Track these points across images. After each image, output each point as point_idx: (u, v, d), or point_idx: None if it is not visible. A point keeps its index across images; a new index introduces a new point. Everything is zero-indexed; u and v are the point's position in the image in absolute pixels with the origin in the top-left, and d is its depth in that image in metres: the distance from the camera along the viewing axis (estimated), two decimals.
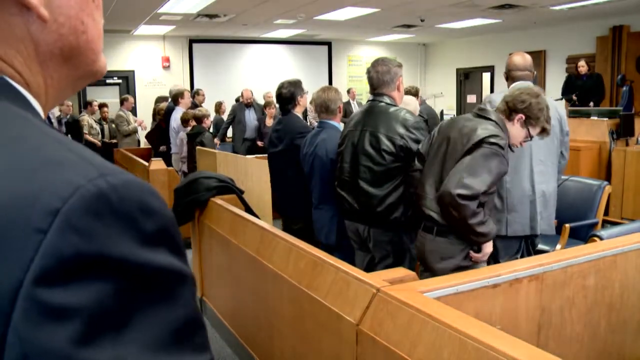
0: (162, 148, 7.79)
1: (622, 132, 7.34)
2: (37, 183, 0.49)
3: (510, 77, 3.71)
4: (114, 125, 9.64)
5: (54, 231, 0.47)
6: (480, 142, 2.76)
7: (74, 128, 9.14)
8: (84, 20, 0.66)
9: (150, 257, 0.52)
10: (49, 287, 0.47)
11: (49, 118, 1.40)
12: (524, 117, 2.93)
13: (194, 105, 8.09)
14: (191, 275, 0.57)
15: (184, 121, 6.92)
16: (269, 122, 8.76)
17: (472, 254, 2.88)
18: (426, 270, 3.03)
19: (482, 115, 2.96)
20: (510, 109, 2.94)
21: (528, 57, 3.77)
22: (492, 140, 2.76)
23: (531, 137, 2.99)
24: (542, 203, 3.46)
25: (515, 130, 2.96)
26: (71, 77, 0.68)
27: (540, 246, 3.86)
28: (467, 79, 14.63)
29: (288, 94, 4.18)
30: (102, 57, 0.72)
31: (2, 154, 0.52)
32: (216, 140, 8.64)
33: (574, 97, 8.99)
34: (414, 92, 6.05)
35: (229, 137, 10.06)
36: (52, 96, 0.67)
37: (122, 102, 9.61)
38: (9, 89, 0.61)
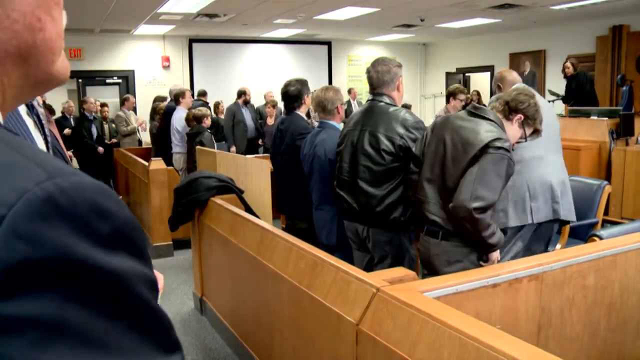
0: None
1: (622, 131, 7.34)
2: None
3: (500, 89, 3.91)
4: (114, 125, 9.63)
5: None
6: (486, 147, 2.71)
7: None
8: (40, 17, 0.62)
9: (106, 261, 0.49)
10: None
11: (40, 121, 1.37)
12: (522, 117, 2.92)
13: (204, 104, 8.12)
14: (153, 279, 0.54)
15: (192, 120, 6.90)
16: (270, 121, 8.76)
17: (482, 263, 2.87)
18: (430, 273, 2.98)
19: (478, 114, 2.91)
20: (510, 109, 2.93)
21: (515, 74, 4.07)
22: (498, 144, 2.71)
23: (526, 138, 2.99)
24: (562, 190, 3.55)
25: (513, 130, 2.95)
26: (30, 77, 0.65)
27: None
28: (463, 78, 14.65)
29: (296, 92, 4.17)
30: (64, 59, 0.68)
31: None
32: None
33: (559, 98, 9.03)
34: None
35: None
36: (10, 96, 0.64)
37: (123, 102, 9.60)
38: None
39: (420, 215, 3.00)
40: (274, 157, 4.45)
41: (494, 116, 2.90)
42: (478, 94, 10.48)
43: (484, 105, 3.37)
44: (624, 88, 8.81)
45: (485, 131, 2.78)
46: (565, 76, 9.17)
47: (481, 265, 2.86)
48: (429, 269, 3.00)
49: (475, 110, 2.96)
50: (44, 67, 0.65)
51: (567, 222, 3.68)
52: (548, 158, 3.58)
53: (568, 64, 9.13)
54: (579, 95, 8.85)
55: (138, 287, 0.52)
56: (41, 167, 0.50)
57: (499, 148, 2.71)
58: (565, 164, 3.77)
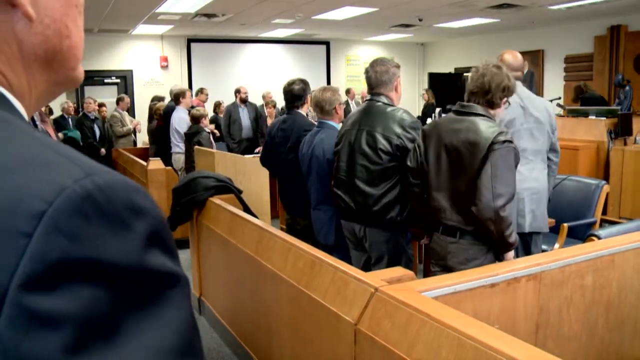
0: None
1: (620, 131, 7.35)
2: (21, 185, 0.47)
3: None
4: (109, 125, 9.60)
5: (40, 235, 0.45)
6: (492, 145, 2.73)
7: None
8: (68, 25, 0.65)
9: (142, 260, 0.50)
10: (35, 293, 0.45)
11: (32, 119, 1.38)
12: (505, 98, 2.95)
13: (202, 104, 8.14)
14: (184, 277, 0.55)
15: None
16: (269, 121, 8.75)
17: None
18: (444, 271, 2.97)
19: (468, 112, 2.91)
20: (500, 98, 2.93)
21: (520, 57, 3.74)
22: (502, 138, 2.75)
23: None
24: (534, 200, 3.45)
25: (500, 113, 3.00)
26: (51, 81, 0.67)
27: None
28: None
29: (300, 91, 4.17)
30: (81, 65, 0.70)
31: None
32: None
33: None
34: None
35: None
36: (35, 99, 0.66)
37: (118, 102, 9.56)
38: None
39: (438, 223, 2.99)
40: (273, 156, 4.42)
41: (482, 110, 2.90)
42: None
43: None
44: (627, 88, 8.81)
45: (484, 128, 2.80)
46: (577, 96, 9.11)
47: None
48: (445, 268, 2.99)
49: (462, 109, 2.95)
50: (65, 71, 0.67)
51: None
52: (527, 165, 3.44)
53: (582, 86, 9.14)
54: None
55: (171, 285, 0.52)
56: (77, 164, 0.51)
57: (504, 142, 2.75)
58: (553, 167, 3.67)
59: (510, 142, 2.79)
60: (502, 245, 2.84)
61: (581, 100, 8.86)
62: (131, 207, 0.51)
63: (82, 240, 0.47)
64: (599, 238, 3.02)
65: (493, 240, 2.83)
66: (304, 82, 4.23)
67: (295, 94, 4.19)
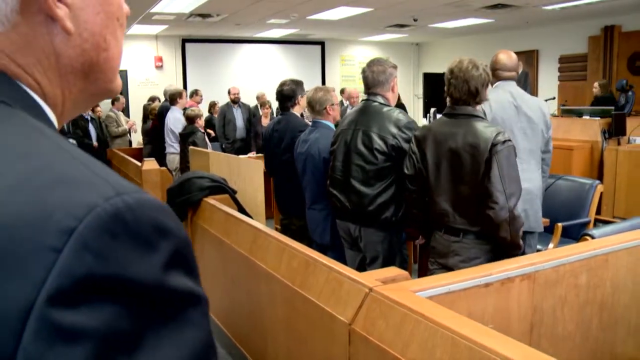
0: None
1: (614, 131, 7.38)
2: (52, 201, 0.48)
3: (494, 75, 3.60)
4: (105, 125, 9.58)
5: (69, 251, 0.46)
6: (493, 146, 2.75)
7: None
8: (106, 38, 0.67)
9: (165, 279, 0.51)
10: (61, 307, 0.45)
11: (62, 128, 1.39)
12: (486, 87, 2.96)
13: (196, 105, 8.13)
14: (205, 298, 0.56)
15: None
16: (265, 121, 8.74)
17: None
18: (443, 269, 2.97)
19: (461, 113, 2.92)
20: (485, 93, 2.93)
21: (514, 57, 3.73)
22: (501, 138, 2.78)
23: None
24: (527, 200, 3.46)
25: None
26: (88, 92, 0.68)
27: None
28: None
29: (290, 92, 4.20)
30: (119, 76, 0.72)
31: (16, 169, 0.51)
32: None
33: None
34: None
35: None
36: (68, 109, 0.67)
37: (113, 102, 9.54)
38: (26, 98, 0.61)
39: (442, 226, 3.00)
40: (271, 157, 4.44)
41: (473, 110, 2.91)
42: None
43: None
44: (629, 93, 8.82)
45: (482, 129, 2.81)
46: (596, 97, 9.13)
47: None
48: (445, 267, 2.99)
49: (454, 111, 2.95)
50: (102, 83, 0.69)
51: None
52: (520, 166, 3.48)
53: (596, 85, 9.15)
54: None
55: (192, 305, 0.53)
56: (109, 183, 0.51)
57: (504, 142, 2.78)
58: (544, 168, 3.67)
59: (509, 140, 2.83)
60: (511, 248, 2.87)
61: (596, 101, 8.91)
62: (157, 227, 0.52)
63: (109, 258, 0.48)
64: (593, 238, 3.03)
65: (502, 242, 2.85)
66: (295, 83, 4.24)
67: (284, 94, 4.21)
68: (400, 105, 10.30)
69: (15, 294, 0.45)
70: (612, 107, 7.91)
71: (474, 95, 2.89)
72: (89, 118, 8.99)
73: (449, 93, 2.95)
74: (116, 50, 0.69)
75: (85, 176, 0.52)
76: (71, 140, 8.65)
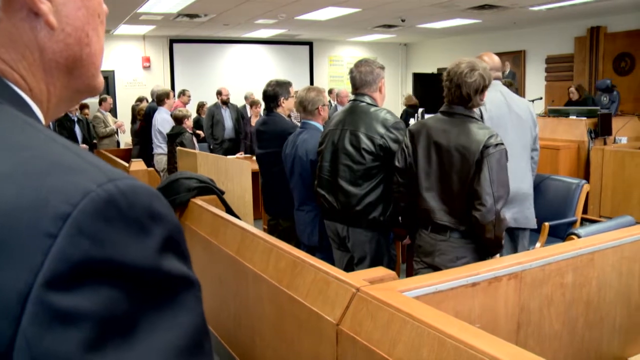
0: None
1: (600, 131, 7.44)
2: (47, 187, 0.49)
3: None
4: (92, 126, 9.51)
5: (65, 236, 0.47)
6: (485, 148, 2.77)
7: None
8: (89, 33, 0.67)
9: (159, 263, 0.52)
10: (58, 291, 0.47)
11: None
12: (484, 94, 2.96)
13: (183, 106, 8.09)
14: (197, 281, 0.57)
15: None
16: (254, 121, 8.72)
17: None
18: (428, 268, 2.99)
19: (455, 112, 2.93)
20: (480, 99, 2.94)
21: (496, 59, 3.76)
22: (493, 141, 2.79)
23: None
24: (521, 201, 3.50)
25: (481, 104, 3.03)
26: (71, 88, 0.69)
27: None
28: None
29: (272, 93, 4.22)
30: (100, 74, 0.73)
31: (10, 158, 0.52)
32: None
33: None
34: None
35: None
36: (53, 106, 0.68)
37: (100, 102, 9.48)
38: (13, 95, 0.62)
39: (426, 220, 3.01)
40: (257, 158, 4.46)
41: (469, 111, 2.92)
42: None
43: None
44: (614, 93, 8.88)
45: (476, 130, 2.83)
46: (570, 100, 9.19)
47: None
48: (430, 266, 3.00)
49: (450, 109, 2.97)
50: (85, 80, 0.70)
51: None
52: (512, 166, 3.50)
53: (573, 90, 9.19)
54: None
55: (185, 289, 0.55)
56: (101, 170, 0.53)
57: (497, 145, 2.79)
58: (533, 167, 3.71)
59: (502, 144, 2.84)
60: (495, 247, 2.90)
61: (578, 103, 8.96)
62: (150, 212, 0.53)
63: (104, 242, 0.49)
64: (579, 237, 3.05)
65: (485, 242, 2.87)
66: (279, 85, 4.24)
67: (268, 95, 4.23)
68: None
69: (13, 278, 0.46)
70: (598, 108, 7.97)
71: (466, 101, 2.90)
72: (76, 119, 8.92)
73: (445, 94, 2.98)
74: (98, 47, 0.70)
75: (77, 164, 0.53)
76: None
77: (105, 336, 0.47)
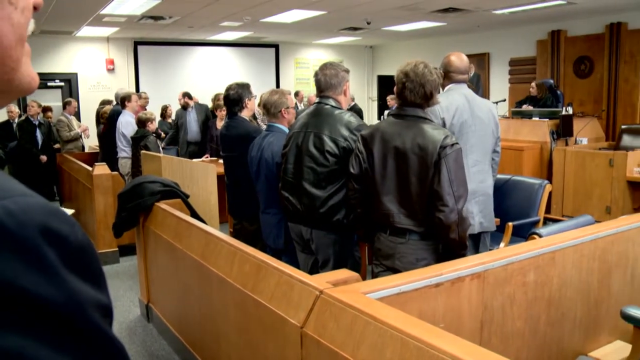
0: None
1: (562, 132, 7.60)
2: None
3: (447, 77, 3.65)
4: (56, 130, 9.33)
5: None
6: (442, 149, 2.79)
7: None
8: None
9: (52, 290, 0.47)
10: None
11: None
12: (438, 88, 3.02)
13: (141, 108, 7.95)
14: (106, 304, 0.52)
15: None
16: (220, 124, 8.66)
17: None
18: (388, 271, 3.00)
19: (408, 114, 2.95)
20: (434, 94, 2.97)
21: (465, 59, 3.76)
22: (449, 141, 2.82)
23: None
24: (481, 202, 3.54)
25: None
26: None
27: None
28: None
29: (236, 96, 4.19)
30: (29, 67, 0.64)
31: None
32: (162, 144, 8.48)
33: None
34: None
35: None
36: None
37: (65, 105, 9.30)
38: None
39: (388, 227, 3.00)
40: (224, 161, 4.44)
41: (422, 112, 2.95)
42: None
43: None
44: (558, 92, 9.09)
45: (431, 131, 2.85)
46: (530, 96, 9.37)
47: None
48: (390, 268, 3.00)
49: (402, 111, 2.98)
50: (2, 75, 0.61)
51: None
52: (475, 167, 3.52)
53: (533, 85, 9.38)
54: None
55: (89, 314, 0.49)
56: None
57: (453, 145, 2.82)
58: (494, 168, 3.75)
59: (457, 143, 2.87)
60: (459, 248, 2.91)
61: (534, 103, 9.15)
62: (45, 232, 0.48)
63: None
64: (540, 236, 3.10)
65: (451, 243, 2.88)
66: (241, 87, 4.22)
67: (231, 99, 4.21)
68: (357, 111, 10.38)
69: None
70: (561, 109, 8.13)
71: (428, 99, 2.93)
72: (37, 123, 8.75)
73: (403, 95, 2.96)
74: (12, 37, 0.60)
75: None
76: None
77: None
